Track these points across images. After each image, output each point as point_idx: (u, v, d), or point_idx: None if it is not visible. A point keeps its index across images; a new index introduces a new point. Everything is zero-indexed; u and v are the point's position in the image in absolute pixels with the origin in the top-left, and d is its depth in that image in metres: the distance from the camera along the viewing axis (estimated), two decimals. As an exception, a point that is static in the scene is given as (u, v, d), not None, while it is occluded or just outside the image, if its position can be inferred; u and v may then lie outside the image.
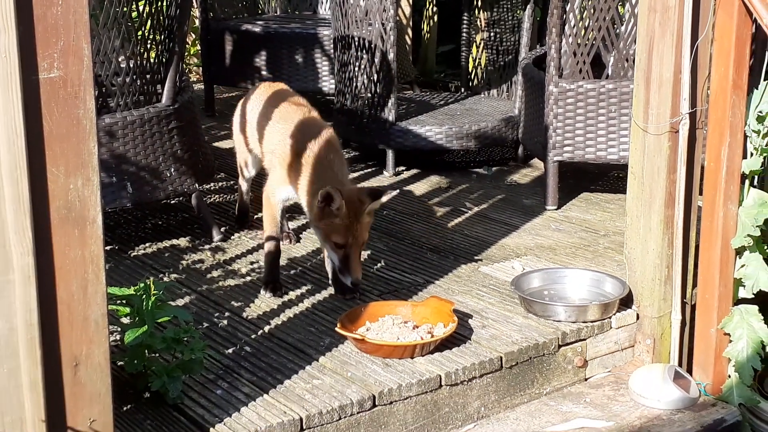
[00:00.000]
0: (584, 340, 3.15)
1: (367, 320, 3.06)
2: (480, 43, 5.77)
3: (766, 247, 3.06)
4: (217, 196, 4.48)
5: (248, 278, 3.52)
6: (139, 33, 3.62)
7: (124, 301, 2.72)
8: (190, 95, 3.96)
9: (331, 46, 5.38)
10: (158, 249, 3.80)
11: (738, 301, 3.10)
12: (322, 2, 6.40)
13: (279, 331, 3.09)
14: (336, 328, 2.95)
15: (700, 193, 3.15)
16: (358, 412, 2.68)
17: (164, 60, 3.73)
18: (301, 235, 3.96)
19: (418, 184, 4.76)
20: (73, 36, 2.00)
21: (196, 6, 5.88)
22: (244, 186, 3.97)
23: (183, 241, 3.88)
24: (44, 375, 2.05)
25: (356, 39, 4.83)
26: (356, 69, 4.88)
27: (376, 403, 2.71)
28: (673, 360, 3.19)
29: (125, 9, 3.48)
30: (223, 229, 3.95)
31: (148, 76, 3.71)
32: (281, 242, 3.50)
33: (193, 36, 6.86)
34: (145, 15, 3.63)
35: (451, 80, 6.68)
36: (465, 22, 5.82)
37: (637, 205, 3.21)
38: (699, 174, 3.16)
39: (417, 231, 4.03)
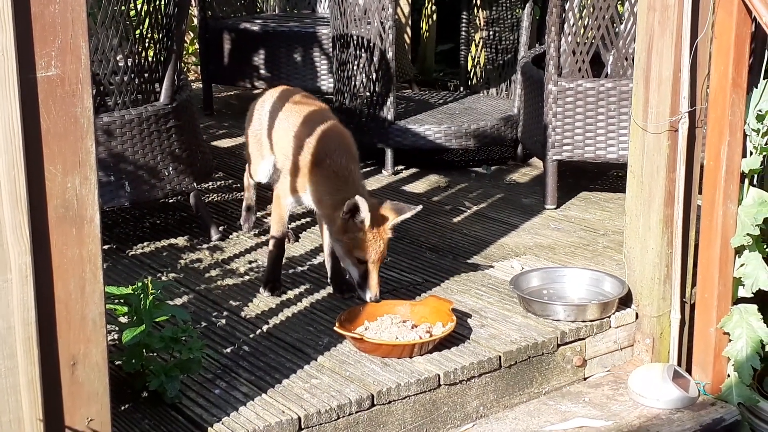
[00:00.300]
0: (583, 339, 3.15)
1: (366, 319, 3.06)
2: (479, 42, 5.76)
3: (765, 246, 3.05)
4: (215, 195, 4.47)
5: (246, 277, 3.51)
6: (138, 31, 3.62)
7: (122, 301, 2.71)
8: (189, 94, 3.95)
9: (330, 44, 5.38)
10: (156, 248, 3.79)
11: (737, 300, 3.10)
12: (321, 1, 6.40)
13: (277, 331, 3.09)
14: (334, 328, 2.94)
15: (700, 192, 3.14)
16: (356, 412, 2.67)
17: (162, 59, 3.73)
18: (300, 235, 3.96)
19: (416, 183, 4.75)
20: (71, 34, 2.00)
21: (194, 4, 5.87)
22: (251, 187, 3.92)
23: (181, 241, 3.87)
24: (42, 374, 2.05)
25: (355, 38, 4.82)
26: (355, 68, 4.87)
27: (375, 403, 2.71)
28: (673, 359, 3.18)
29: (123, 7, 3.47)
30: (221, 228, 3.94)
31: (146, 75, 3.70)
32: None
33: (192, 35, 6.84)
34: (143, 13, 3.62)
35: (450, 79, 6.68)
36: (464, 20, 5.81)
37: (637, 204, 3.21)
38: (698, 173, 3.16)
39: (416, 230, 4.03)
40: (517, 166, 5.10)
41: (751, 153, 3.04)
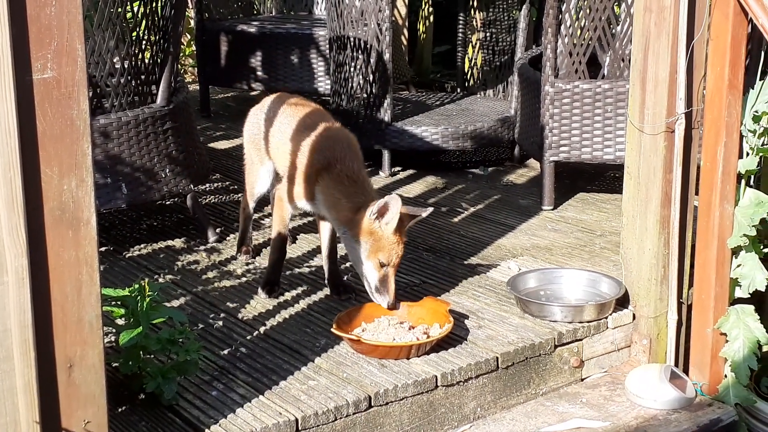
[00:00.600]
0: (580, 340, 3.15)
1: (363, 321, 3.06)
2: (476, 44, 5.77)
3: (762, 247, 3.06)
4: (212, 197, 4.47)
5: (243, 279, 3.51)
6: (134, 34, 3.62)
7: (118, 303, 2.71)
8: (185, 96, 3.95)
9: (327, 46, 5.38)
10: (153, 250, 3.79)
11: (734, 301, 3.10)
12: (318, 2, 6.40)
13: (274, 332, 3.08)
14: (332, 329, 2.94)
15: (696, 193, 3.14)
16: (353, 413, 2.67)
17: (159, 61, 3.73)
18: (297, 237, 3.96)
19: (414, 184, 4.75)
20: (67, 37, 2.00)
21: (191, 6, 5.88)
22: (251, 205, 3.66)
23: (178, 242, 3.87)
24: (38, 376, 2.05)
25: (352, 39, 4.82)
26: (352, 69, 4.87)
27: (372, 404, 2.71)
28: (670, 360, 3.18)
29: (120, 10, 3.47)
30: (218, 230, 3.94)
31: (142, 77, 3.70)
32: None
33: (188, 36, 6.85)
34: (139, 15, 3.63)
35: (447, 80, 6.68)
36: (461, 22, 5.82)
37: (634, 205, 3.21)
38: (695, 174, 3.16)
39: (413, 231, 4.02)
40: (514, 167, 5.10)
41: (748, 154, 3.04)
